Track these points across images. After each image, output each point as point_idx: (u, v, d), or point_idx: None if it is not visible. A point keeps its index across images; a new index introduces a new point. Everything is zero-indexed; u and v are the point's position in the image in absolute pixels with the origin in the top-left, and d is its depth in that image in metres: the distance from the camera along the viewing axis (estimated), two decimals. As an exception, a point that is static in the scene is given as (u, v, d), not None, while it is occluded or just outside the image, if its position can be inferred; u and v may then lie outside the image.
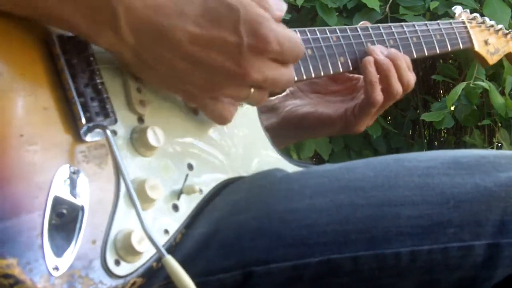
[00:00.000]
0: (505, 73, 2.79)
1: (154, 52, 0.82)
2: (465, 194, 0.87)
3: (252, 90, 0.87)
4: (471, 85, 2.72)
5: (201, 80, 0.84)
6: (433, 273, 0.87)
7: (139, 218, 0.80)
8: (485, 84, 2.69)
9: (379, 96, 1.20)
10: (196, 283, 0.84)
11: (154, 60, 0.82)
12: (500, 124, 2.92)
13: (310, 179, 0.94)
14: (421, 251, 0.86)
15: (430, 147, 3.29)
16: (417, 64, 3.19)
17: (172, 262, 0.78)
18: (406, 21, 2.78)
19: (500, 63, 2.81)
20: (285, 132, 1.28)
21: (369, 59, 1.20)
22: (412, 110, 3.16)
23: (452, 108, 2.87)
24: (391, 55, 1.22)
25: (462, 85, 2.68)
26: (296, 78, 1.09)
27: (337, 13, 2.89)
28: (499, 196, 0.87)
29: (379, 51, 1.21)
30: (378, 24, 1.28)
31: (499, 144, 2.92)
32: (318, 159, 3.05)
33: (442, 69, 3.03)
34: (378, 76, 1.20)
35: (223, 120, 0.90)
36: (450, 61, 3.23)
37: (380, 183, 0.90)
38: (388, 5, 2.88)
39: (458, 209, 0.87)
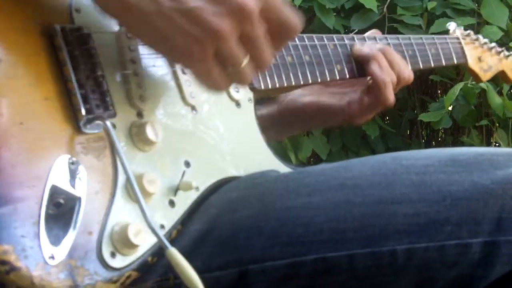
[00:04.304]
0: (503, 73, 2.79)
1: None
2: (462, 192, 0.87)
3: (246, 60, 0.82)
4: (469, 85, 2.72)
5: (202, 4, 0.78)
6: (429, 271, 0.87)
7: (142, 209, 0.80)
8: (483, 84, 2.69)
9: (392, 96, 1.21)
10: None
11: None
12: (497, 125, 2.92)
13: (306, 177, 0.94)
14: (417, 249, 0.86)
15: (428, 147, 3.29)
16: (415, 64, 3.18)
17: (176, 254, 0.79)
18: (403, 22, 2.81)
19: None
20: (285, 121, 1.27)
21: (373, 62, 1.21)
22: (410, 110, 3.16)
23: (450, 108, 2.87)
24: (383, 48, 1.24)
25: (460, 85, 2.69)
26: (293, 83, 1.11)
27: (334, 14, 2.89)
28: (496, 193, 0.87)
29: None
30: (375, 35, 1.30)
31: (497, 145, 2.92)
32: (316, 159, 3.05)
33: (439, 69, 3.03)
34: (389, 77, 1.21)
35: (217, 85, 0.83)
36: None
37: (377, 181, 0.89)
38: (385, 6, 2.88)
39: (455, 207, 0.87)
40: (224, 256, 0.87)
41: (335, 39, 1.21)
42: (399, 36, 1.33)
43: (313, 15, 2.93)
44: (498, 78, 2.78)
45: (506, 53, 1.55)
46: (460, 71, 2.96)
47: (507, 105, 2.71)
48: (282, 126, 1.28)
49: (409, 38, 1.34)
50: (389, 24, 2.85)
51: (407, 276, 0.87)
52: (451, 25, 1.50)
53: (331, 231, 0.87)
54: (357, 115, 1.24)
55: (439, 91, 3.32)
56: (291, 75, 1.11)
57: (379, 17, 2.87)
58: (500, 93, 2.79)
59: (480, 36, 1.51)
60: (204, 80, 0.84)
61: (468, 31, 1.50)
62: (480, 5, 2.77)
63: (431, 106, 2.89)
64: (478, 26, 2.81)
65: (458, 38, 1.46)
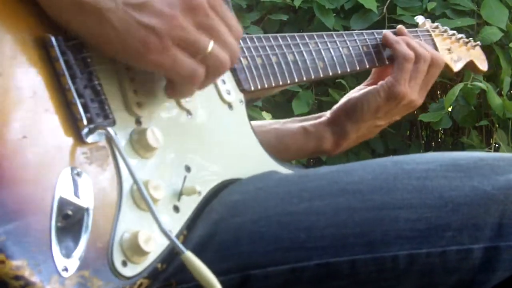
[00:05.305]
0: (503, 73, 2.79)
1: None
2: (463, 197, 0.87)
3: (212, 43, 0.85)
4: (468, 85, 2.72)
5: (161, 8, 0.82)
6: (431, 276, 0.87)
7: (154, 215, 0.80)
8: (482, 84, 2.70)
9: (406, 50, 1.29)
10: (194, 286, 0.84)
11: None
12: (497, 125, 2.92)
13: (308, 182, 0.94)
14: (419, 255, 0.86)
15: (428, 148, 3.29)
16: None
17: (192, 258, 0.79)
18: (403, 22, 2.81)
19: (497, 63, 2.81)
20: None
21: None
22: (409, 111, 3.16)
23: (450, 109, 2.87)
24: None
25: (460, 85, 2.69)
26: (281, 82, 1.12)
27: (334, 14, 2.89)
28: (498, 199, 0.87)
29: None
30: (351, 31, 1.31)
31: (497, 145, 2.92)
32: (316, 159, 3.05)
33: (439, 70, 3.03)
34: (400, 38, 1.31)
35: (189, 73, 0.84)
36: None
37: (378, 186, 0.89)
38: (385, 6, 2.88)
39: (457, 212, 0.87)
40: (226, 261, 0.87)
41: (315, 37, 1.23)
42: (375, 31, 1.34)
43: (313, 15, 2.93)
44: (498, 78, 2.82)
45: (473, 43, 1.55)
46: (460, 71, 2.96)
47: (507, 106, 2.71)
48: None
49: (373, 34, 1.34)
50: (389, 24, 2.85)
51: (408, 282, 0.87)
52: (419, 18, 1.50)
53: (333, 236, 0.87)
54: (395, 83, 1.27)
55: (438, 92, 3.32)
56: (277, 74, 1.12)
57: (378, 17, 2.88)
58: (500, 94, 2.80)
59: (447, 28, 1.51)
60: (174, 74, 0.84)
61: (436, 23, 1.50)
62: (480, 5, 2.78)
63: (430, 107, 2.89)
64: (477, 26, 2.81)
65: (428, 31, 1.46)
